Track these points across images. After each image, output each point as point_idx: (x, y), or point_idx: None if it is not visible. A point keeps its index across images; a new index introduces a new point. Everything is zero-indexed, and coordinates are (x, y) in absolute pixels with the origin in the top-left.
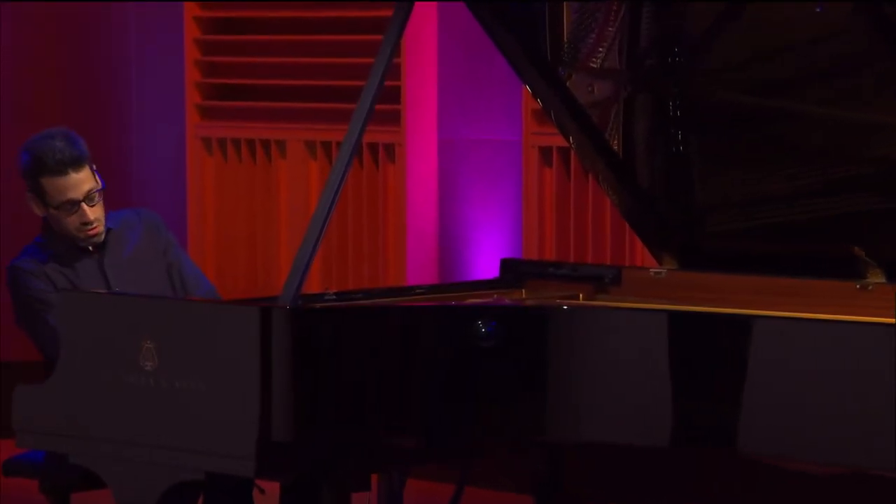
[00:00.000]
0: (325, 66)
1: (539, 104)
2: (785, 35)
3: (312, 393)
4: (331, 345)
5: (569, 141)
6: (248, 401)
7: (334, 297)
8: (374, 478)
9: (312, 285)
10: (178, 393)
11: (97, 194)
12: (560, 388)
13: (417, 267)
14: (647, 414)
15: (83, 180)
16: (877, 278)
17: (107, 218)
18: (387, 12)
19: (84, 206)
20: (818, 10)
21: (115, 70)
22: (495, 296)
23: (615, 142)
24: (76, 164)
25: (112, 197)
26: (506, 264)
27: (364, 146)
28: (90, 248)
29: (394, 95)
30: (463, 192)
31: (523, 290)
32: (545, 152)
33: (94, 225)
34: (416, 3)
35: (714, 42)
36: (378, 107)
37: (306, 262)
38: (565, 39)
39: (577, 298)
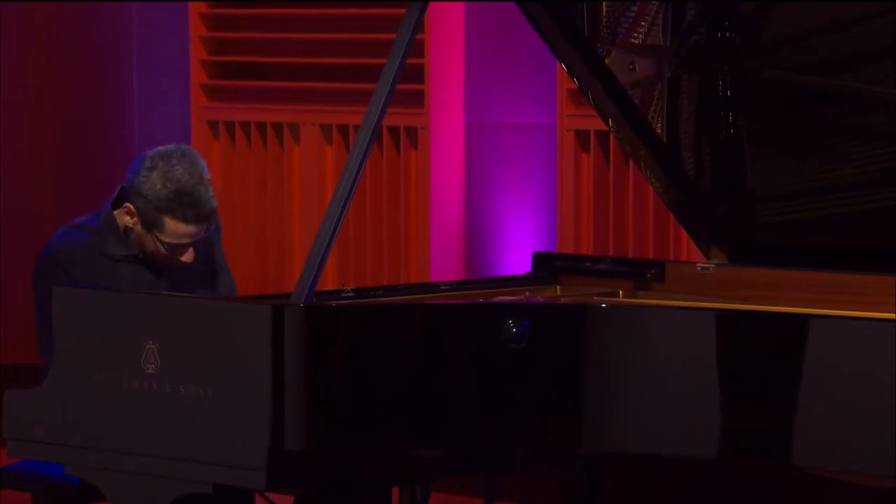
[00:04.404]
0: (343, 43)
1: (575, 83)
2: (848, 6)
3: (328, 398)
4: (348, 346)
5: (607, 124)
6: (259, 406)
7: (352, 294)
8: (395, 491)
9: (328, 282)
10: (182, 398)
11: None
12: (597, 395)
13: (442, 261)
14: (692, 422)
15: (202, 229)
16: None
17: None
18: None
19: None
20: None
21: (115, 46)
22: (527, 293)
23: (658, 125)
24: (209, 217)
25: (111, 184)
26: (538, 259)
27: (384, 130)
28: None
29: (417, 74)
30: (492, 180)
31: (557, 287)
32: (582, 136)
33: (183, 263)
34: None
35: (769, 14)
36: (400, 86)
37: (321, 257)
38: (604, 12)
39: (617, 296)
